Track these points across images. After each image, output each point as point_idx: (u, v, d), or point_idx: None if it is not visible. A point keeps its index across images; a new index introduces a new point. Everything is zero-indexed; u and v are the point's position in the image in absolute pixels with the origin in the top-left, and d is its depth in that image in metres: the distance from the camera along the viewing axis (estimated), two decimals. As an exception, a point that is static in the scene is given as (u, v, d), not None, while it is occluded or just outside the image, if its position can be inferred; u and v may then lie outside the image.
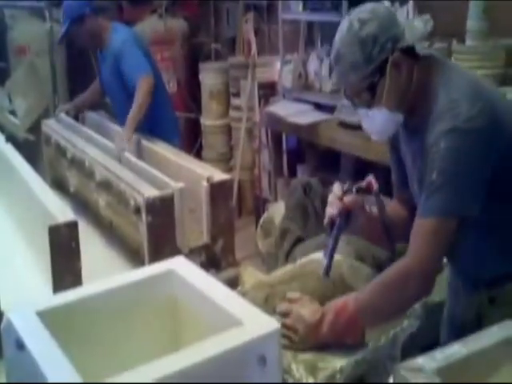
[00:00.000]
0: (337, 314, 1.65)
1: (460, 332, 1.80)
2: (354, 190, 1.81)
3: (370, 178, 1.84)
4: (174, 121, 3.85)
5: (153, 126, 3.44)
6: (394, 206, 1.94)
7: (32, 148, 3.55)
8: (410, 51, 1.69)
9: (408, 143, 1.79)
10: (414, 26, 1.70)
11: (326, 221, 1.82)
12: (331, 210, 1.81)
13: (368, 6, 1.73)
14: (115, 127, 3.04)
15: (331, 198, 1.83)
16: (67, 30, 3.52)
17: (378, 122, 1.75)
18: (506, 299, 1.74)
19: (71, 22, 3.49)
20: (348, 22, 1.70)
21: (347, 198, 1.80)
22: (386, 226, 1.87)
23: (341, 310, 1.65)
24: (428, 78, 1.70)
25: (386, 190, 2.00)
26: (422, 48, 1.73)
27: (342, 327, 1.65)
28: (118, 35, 3.56)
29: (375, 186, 1.83)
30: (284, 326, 1.65)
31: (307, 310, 1.69)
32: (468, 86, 1.66)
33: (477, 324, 1.75)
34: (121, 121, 3.52)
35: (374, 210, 1.86)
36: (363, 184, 1.84)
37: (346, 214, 1.79)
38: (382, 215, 1.87)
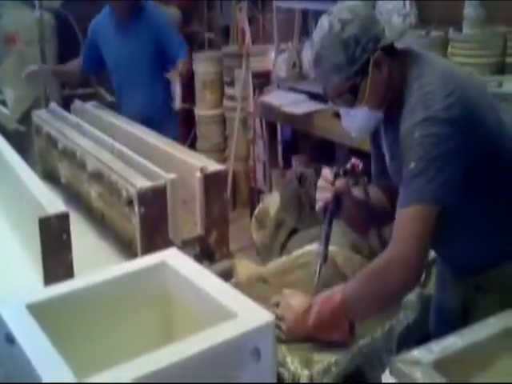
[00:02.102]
0: (323, 305, 1.65)
1: (447, 320, 1.83)
2: (341, 172, 1.85)
3: (354, 160, 1.89)
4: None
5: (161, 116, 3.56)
6: (375, 192, 1.97)
7: (23, 139, 3.52)
8: (389, 49, 1.71)
9: (385, 135, 1.82)
10: (393, 23, 1.70)
11: (319, 206, 1.85)
12: (324, 195, 1.84)
13: (347, 5, 1.73)
14: (108, 118, 3.01)
15: (322, 183, 1.86)
16: None
17: (359, 120, 1.78)
18: (491, 286, 1.76)
19: None
20: (328, 23, 1.70)
21: (338, 182, 1.83)
22: (371, 207, 1.90)
23: (327, 301, 1.66)
24: (403, 73, 1.71)
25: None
26: (399, 43, 1.75)
27: (328, 318, 1.64)
28: (157, 9, 3.71)
29: (360, 165, 1.88)
30: (275, 316, 1.64)
31: (296, 300, 1.70)
32: (442, 78, 1.67)
33: (463, 311, 1.78)
34: (124, 100, 3.64)
35: (358, 194, 1.89)
36: (348, 166, 1.88)
37: (337, 198, 1.82)
38: (367, 196, 1.90)
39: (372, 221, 1.95)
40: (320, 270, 1.80)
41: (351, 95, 1.73)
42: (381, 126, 1.83)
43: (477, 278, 1.78)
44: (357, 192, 1.90)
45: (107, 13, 3.66)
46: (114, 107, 3.54)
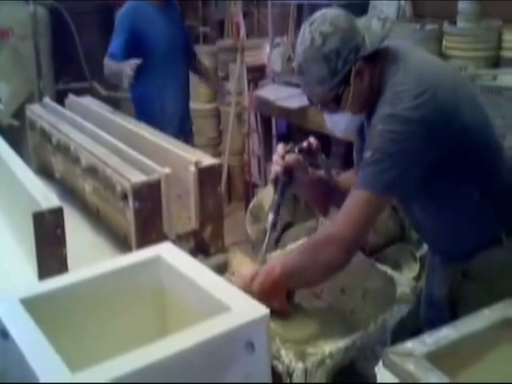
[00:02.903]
0: (266, 275, 1.75)
1: (436, 308, 1.86)
2: (296, 150, 1.96)
3: (310, 139, 1.98)
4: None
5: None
6: (349, 176, 2.05)
7: (16, 133, 3.52)
8: (370, 56, 1.75)
9: (367, 129, 1.86)
10: (372, 30, 1.75)
11: (270, 177, 1.97)
12: (275, 167, 1.95)
13: (329, 16, 1.76)
14: (102, 112, 3.00)
15: (274, 157, 1.97)
16: None
17: (342, 124, 1.88)
18: (478, 273, 1.80)
19: None
20: (310, 36, 1.74)
21: (288, 157, 1.93)
22: (332, 187, 2.01)
23: (269, 271, 1.75)
24: (381, 72, 1.76)
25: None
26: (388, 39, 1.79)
27: (269, 288, 1.72)
28: None
29: (314, 144, 1.97)
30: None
31: (246, 270, 1.85)
32: (415, 78, 1.70)
33: (451, 299, 1.81)
34: (173, 83, 3.73)
35: (317, 173, 2.01)
36: (304, 144, 1.98)
37: (289, 171, 1.93)
38: (328, 174, 2.01)
39: (333, 200, 2.02)
40: (270, 236, 1.92)
41: (334, 103, 1.79)
42: (364, 120, 1.87)
43: (464, 264, 1.81)
44: (316, 171, 2.00)
45: (140, 3, 3.70)
46: (108, 101, 3.53)
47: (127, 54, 3.57)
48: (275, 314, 1.66)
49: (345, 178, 2.06)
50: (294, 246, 2.12)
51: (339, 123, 1.88)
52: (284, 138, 4.88)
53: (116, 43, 3.66)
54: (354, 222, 1.67)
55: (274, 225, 1.92)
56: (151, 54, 3.64)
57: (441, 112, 1.65)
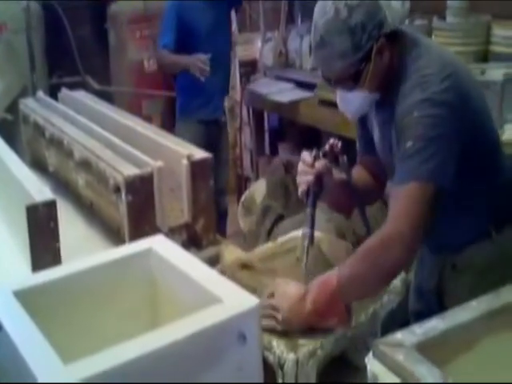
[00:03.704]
0: (319, 290, 1.63)
1: (425, 299, 1.88)
2: (320, 155, 1.86)
3: (332, 141, 1.89)
4: None
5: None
6: (359, 171, 1.99)
7: (10, 128, 3.51)
8: (391, 35, 1.71)
9: (376, 115, 1.83)
10: (393, 8, 1.70)
11: (302, 189, 1.85)
12: (305, 178, 1.84)
13: None
14: (95, 106, 3.00)
15: (302, 167, 1.86)
16: None
17: (356, 104, 1.79)
18: (466, 265, 1.82)
19: None
20: (334, 7, 1.66)
21: (318, 164, 1.84)
22: (352, 187, 1.91)
23: (323, 285, 1.63)
24: (402, 56, 1.72)
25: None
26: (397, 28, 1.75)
27: (325, 303, 1.61)
28: None
29: (338, 145, 1.88)
30: (270, 306, 1.64)
31: (291, 288, 1.67)
32: (438, 62, 1.69)
33: (439, 291, 1.82)
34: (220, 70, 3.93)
35: (339, 175, 1.91)
36: (326, 147, 1.88)
37: (319, 180, 1.83)
38: (349, 175, 1.91)
39: (355, 200, 1.96)
40: (307, 252, 1.78)
41: (352, 80, 1.73)
42: (371, 107, 1.84)
43: (453, 257, 1.83)
44: (338, 173, 1.91)
45: None
46: (102, 96, 3.54)
47: (178, 44, 3.84)
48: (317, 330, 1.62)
49: (356, 174, 1.99)
50: (286, 239, 2.13)
51: (353, 103, 1.79)
52: (275, 131, 4.91)
53: (167, 34, 3.87)
54: (410, 217, 1.58)
55: (311, 240, 1.79)
56: (197, 42, 3.85)
57: (461, 97, 1.64)
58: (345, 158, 1.90)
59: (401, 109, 1.66)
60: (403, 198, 1.61)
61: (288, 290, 1.66)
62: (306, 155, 1.87)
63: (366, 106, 1.81)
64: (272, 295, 1.69)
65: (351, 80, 1.73)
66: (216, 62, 3.84)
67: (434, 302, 1.84)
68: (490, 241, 1.80)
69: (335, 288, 1.61)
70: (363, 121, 1.93)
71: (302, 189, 1.85)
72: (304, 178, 1.84)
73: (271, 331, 1.62)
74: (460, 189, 1.70)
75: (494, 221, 1.81)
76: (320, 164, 1.84)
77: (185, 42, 3.85)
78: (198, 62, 3.75)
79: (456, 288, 1.80)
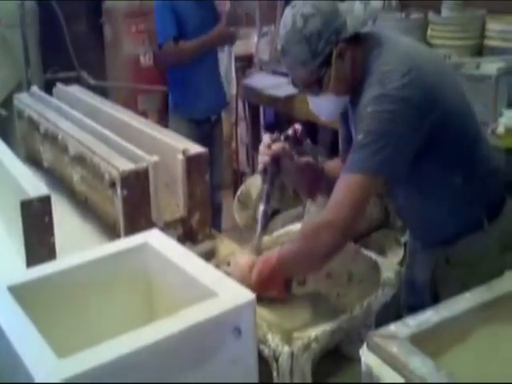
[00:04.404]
0: (263, 264, 1.76)
1: (417, 292, 1.89)
2: (282, 138, 1.96)
3: (296, 126, 1.99)
4: None
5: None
6: (338, 164, 2.04)
7: (4, 122, 3.51)
8: (352, 38, 1.76)
9: (352, 114, 1.88)
10: (354, 13, 1.77)
11: (259, 168, 1.97)
12: (262, 158, 1.94)
13: None
14: (90, 101, 3.00)
15: (261, 147, 1.96)
16: None
17: (325, 107, 1.87)
18: (459, 257, 1.83)
19: None
20: (291, 18, 1.75)
21: (275, 145, 1.93)
22: (320, 172, 2.01)
23: (266, 261, 1.77)
24: (365, 56, 1.77)
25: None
26: (372, 26, 1.81)
27: (267, 277, 1.74)
28: None
29: (299, 130, 1.97)
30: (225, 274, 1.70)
31: (243, 259, 1.82)
32: (399, 58, 1.72)
33: (432, 284, 1.83)
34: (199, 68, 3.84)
35: (303, 159, 2.00)
36: (289, 132, 1.98)
37: (276, 160, 1.93)
38: (315, 159, 2.01)
39: (326, 188, 2.00)
40: (262, 227, 1.91)
41: (317, 85, 1.80)
42: (348, 106, 1.88)
43: (447, 250, 1.84)
44: (306, 158, 2.00)
45: None
46: (97, 91, 3.54)
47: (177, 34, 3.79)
48: (262, 300, 1.68)
49: (332, 166, 2.06)
50: (282, 233, 2.14)
51: (323, 107, 1.87)
52: (271, 126, 4.90)
53: (168, 27, 3.80)
54: (346, 205, 1.67)
55: (265, 215, 1.92)
56: (186, 33, 3.80)
57: (425, 93, 1.67)
58: (308, 141, 2.01)
59: (360, 104, 1.72)
60: (347, 188, 1.68)
61: (240, 261, 1.82)
62: (266, 137, 1.97)
63: (336, 109, 1.88)
64: (228, 264, 1.88)
65: (316, 85, 1.80)
66: (203, 62, 3.83)
67: (427, 297, 1.85)
68: (483, 232, 1.82)
69: (275, 265, 1.74)
70: (345, 120, 1.97)
71: (259, 168, 1.97)
72: (262, 158, 1.95)
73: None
74: (444, 182, 1.76)
75: (486, 212, 1.83)
76: (276, 146, 1.93)
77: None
78: (224, 31, 3.85)
79: (450, 281, 1.81)
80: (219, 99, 4.14)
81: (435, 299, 1.78)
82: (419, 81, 1.67)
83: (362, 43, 1.78)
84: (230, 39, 4.00)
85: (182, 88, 3.94)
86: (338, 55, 1.75)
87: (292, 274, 1.80)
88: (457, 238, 1.82)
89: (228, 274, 1.65)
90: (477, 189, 1.82)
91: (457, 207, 1.82)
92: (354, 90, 1.79)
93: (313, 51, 1.73)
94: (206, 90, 3.94)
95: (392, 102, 1.64)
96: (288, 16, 1.77)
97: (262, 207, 1.92)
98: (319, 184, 2.03)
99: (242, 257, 1.84)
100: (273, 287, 1.75)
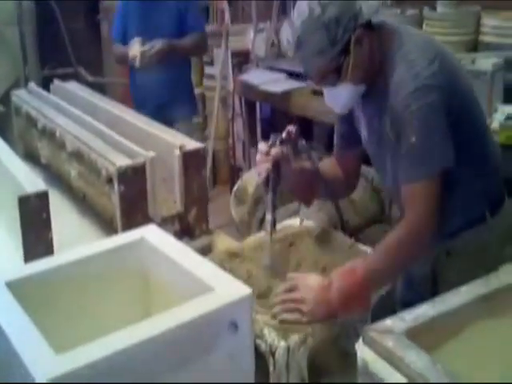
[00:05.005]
0: (344, 280, 1.66)
1: (416, 286, 1.89)
2: (277, 142, 1.88)
3: (289, 128, 1.92)
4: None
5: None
6: (332, 164, 2.04)
7: (2, 119, 3.51)
8: (367, 25, 1.74)
9: (364, 109, 1.86)
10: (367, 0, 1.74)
11: (261, 178, 1.89)
12: (263, 166, 1.86)
13: None
14: (88, 97, 3.00)
15: (258, 156, 1.89)
16: None
17: (343, 97, 1.82)
18: (460, 251, 1.84)
19: None
20: (308, 7, 1.71)
21: (274, 151, 1.86)
22: (317, 176, 1.97)
23: (348, 275, 1.67)
24: (384, 45, 1.75)
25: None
26: (374, 18, 1.78)
27: (350, 293, 1.65)
28: None
29: (294, 131, 1.91)
30: (293, 300, 1.67)
31: (313, 280, 1.71)
32: (422, 47, 1.72)
33: (433, 278, 1.83)
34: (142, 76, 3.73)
35: (300, 163, 1.95)
36: (283, 135, 1.90)
37: (277, 166, 1.87)
38: (312, 161, 1.97)
39: (319, 190, 2.00)
40: (271, 237, 1.86)
41: (335, 75, 1.75)
42: (358, 100, 1.86)
43: (448, 243, 1.85)
44: (300, 161, 1.96)
45: None
46: (94, 87, 3.54)
47: (124, 36, 3.74)
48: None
49: (327, 165, 2.04)
50: (278, 228, 2.13)
51: (341, 97, 1.82)
52: (268, 122, 4.90)
53: (114, 27, 3.82)
54: (429, 215, 1.67)
55: (273, 224, 1.87)
56: (128, 34, 3.73)
57: (449, 79, 1.68)
58: (303, 142, 1.94)
59: (397, 101, 1.69)
60: (417, 195, 1.68)
61: (310, 282, 1.70)
62: (262, 145, 1.90)
63: (352, 100, 1.83)
64: (288, 290, 1.71)
65: (334, 75, 1.76)
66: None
67: (426, 290, 1.84)
68: (485, 225, 1.83)
69: (361, 279, 1.65)
70: (346, 116, 1.95)
71: (261, 178, 1.89)
72: (262, 167, 1.87)
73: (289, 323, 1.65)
74: (453, 174, 1.73)
75: (489, 205, 1.84)
76: (275, 151, 1.86)
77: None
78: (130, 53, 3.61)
79: (450, 274, 1.81)
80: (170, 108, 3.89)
81: (434, 293, 1.78)
82: (444, 66, 1.68)
83: (379, 31, 1.77)
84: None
85: (131, 87, 3.94)
86: (356, 42, 1.71)
87: (378, 287, 1.76)
88: (460, 231, 1.83)
89: (297, 300, 1.66)
90: (483, 184, 1.83)
91: (464, 201, 1.82)
92: (371, 77, 1.77)
93: (332, 39, 1.69)
94: (150, 96, 3.80)
95: (427, 93, 1.65)
96: (302, 5, 1.72)
97: (268, 217, 1.86)
98: (315, 189, 2.00)
99: (309, 278, 1.72)
100: (358, 303, 1.67)
